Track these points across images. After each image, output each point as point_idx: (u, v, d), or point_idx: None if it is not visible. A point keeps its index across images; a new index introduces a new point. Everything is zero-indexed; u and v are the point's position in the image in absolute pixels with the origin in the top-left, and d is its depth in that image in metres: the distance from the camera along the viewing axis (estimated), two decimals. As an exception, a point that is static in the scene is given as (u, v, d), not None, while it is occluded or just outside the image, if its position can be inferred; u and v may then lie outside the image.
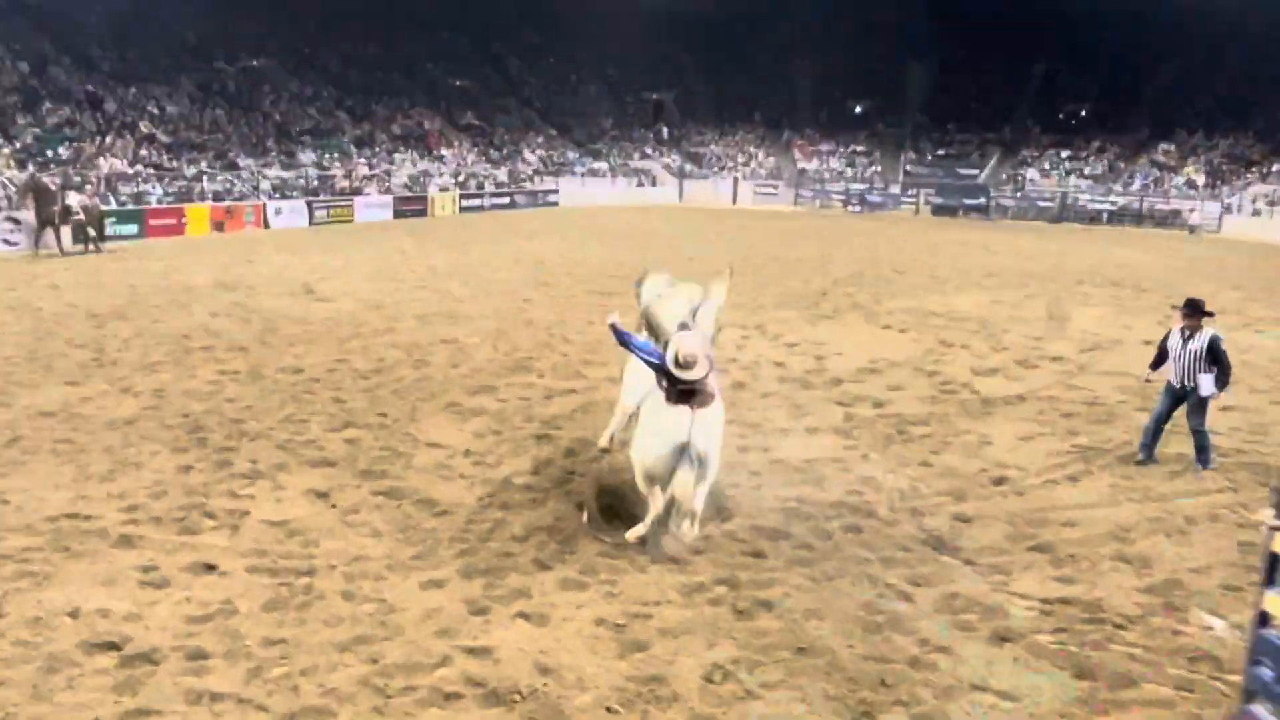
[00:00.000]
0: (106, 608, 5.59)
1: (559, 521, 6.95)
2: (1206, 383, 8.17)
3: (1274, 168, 38.60)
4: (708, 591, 5.97)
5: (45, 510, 6.98)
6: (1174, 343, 8.41)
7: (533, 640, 5.37)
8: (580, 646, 5.33)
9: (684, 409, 6.32)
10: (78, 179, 25.83)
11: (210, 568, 6.15)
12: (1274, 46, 39.49)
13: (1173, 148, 43.33)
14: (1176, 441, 9.03)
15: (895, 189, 45.20)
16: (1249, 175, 39.59)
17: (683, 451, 6.24)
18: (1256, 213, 36.57)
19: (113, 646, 5.20)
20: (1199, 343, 8.20)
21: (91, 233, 22.40)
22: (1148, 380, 8.96)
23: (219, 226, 28.24)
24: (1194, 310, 8.31)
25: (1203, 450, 8.39)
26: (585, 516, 6.95)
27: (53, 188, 22.17)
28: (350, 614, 5.61)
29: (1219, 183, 39.91)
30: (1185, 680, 5.10)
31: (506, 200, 39.80)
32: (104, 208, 24.81)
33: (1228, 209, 37.32)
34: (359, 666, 5.08)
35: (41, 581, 5.90)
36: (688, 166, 48.78)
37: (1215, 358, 8.14)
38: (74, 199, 22.13)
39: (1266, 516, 4.24)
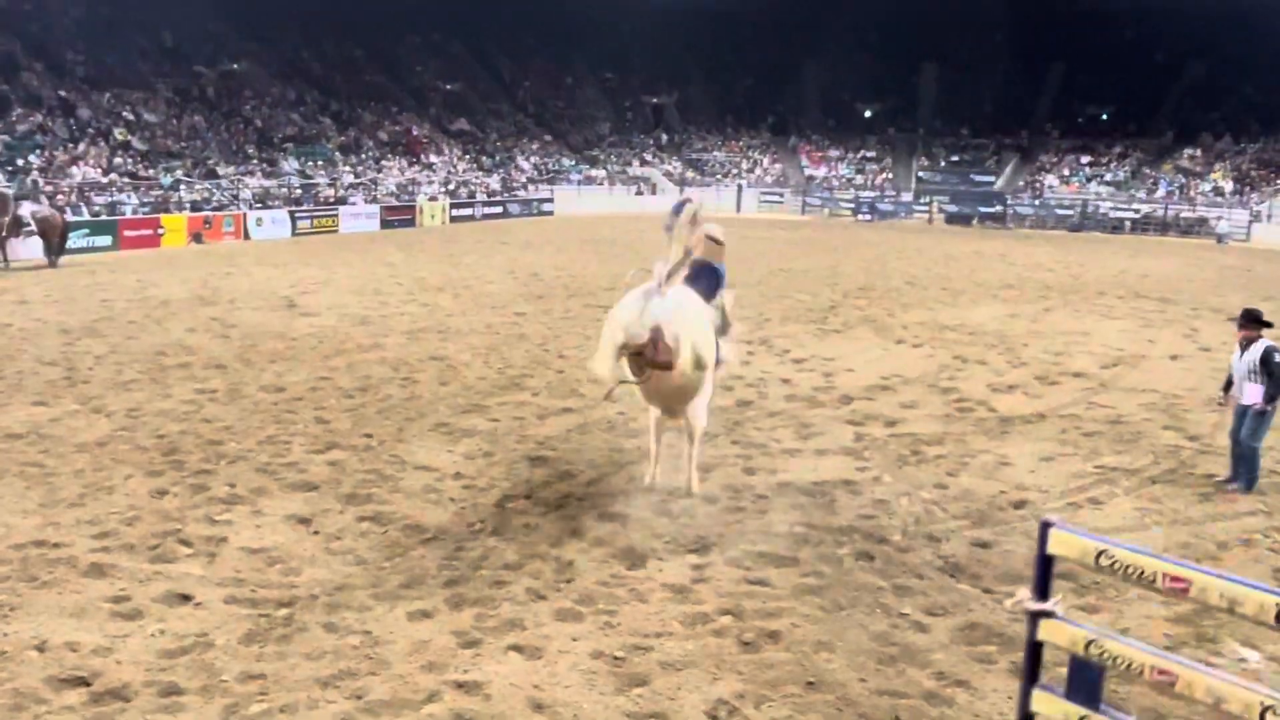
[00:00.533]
0: (75, 640, 5.57)
1: (554, 548, 6.94)
2: (1252, 392, 8.19)
3: (1306, 173, 38.86)
4: (711, 622, 5.95)
5: (12, 538, 6.96)
6: (1234, 356, 8.50)
7: (526, 674, 5.35)
8: (577, 681, 5.31)
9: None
10: (49, 188, 25.85)
11: (185, 598, 6.12)
12: (1304, 46, 39.80)
13: (1199, 153, 43.54)
14: (1205, 462, 9.04)
15: (907, 196, 45.40)
16: (1279, 181, 39.76)
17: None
18: (1287, 220, 36.80)
19: (82, 682, 5.18)
20: (1253, 354, 8.26)
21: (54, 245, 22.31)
22: (1220, 404, 8.95)
23: (197, 238, 28.35)
24: (1250, 320, 8.37)
25: (1242, 472, 8.37)
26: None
27: (7, 197, 22.04)
28: (333, 647, 5.59)
29: (1248, 189, 40.07)
30: (1218, 716, 5.06)
31: (499, 209, 39.95)
32: (75, 219, 24.84)
33: (1257, 216, 37.45)
34: (342, 703, 5.06)
35: (7, 613, 5.88)
36: (689, 174, 48.96)
37: (1269, 370, 8.16)
38: (26, 210, 21.83)
39: (1024, 598, 3.88)
